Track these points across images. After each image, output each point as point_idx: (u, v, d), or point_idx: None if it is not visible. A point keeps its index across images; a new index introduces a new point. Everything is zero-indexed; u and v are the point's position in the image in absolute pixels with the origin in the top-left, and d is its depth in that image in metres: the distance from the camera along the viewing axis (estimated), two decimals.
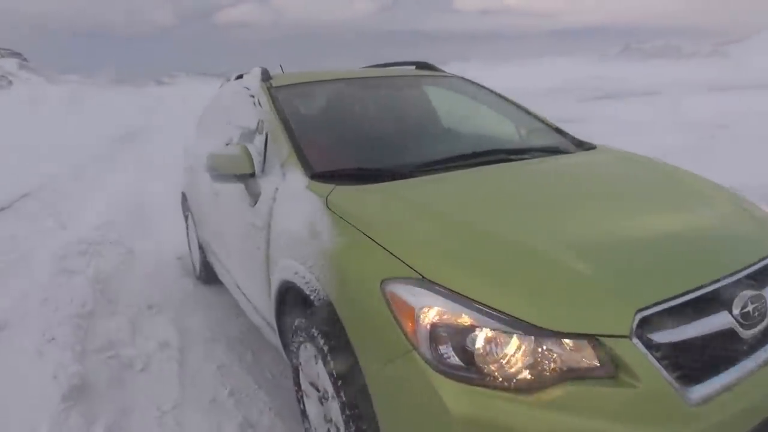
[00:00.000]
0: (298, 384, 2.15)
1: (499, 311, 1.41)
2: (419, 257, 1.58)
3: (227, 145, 3.02)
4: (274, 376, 2.94)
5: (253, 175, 2.43)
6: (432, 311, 1.44)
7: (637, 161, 2.58)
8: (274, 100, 2.69)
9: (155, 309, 3.89)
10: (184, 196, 4.63)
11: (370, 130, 2.92)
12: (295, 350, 2.06)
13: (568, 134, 2.95)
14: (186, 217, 4.73)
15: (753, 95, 15.96)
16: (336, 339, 1.69)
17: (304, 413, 2.16)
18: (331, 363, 1.70)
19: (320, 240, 1.84)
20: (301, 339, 1.96)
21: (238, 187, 2.60)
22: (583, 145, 2.81)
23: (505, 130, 3.00)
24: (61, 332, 3.31)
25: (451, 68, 4.23)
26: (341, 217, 1.84)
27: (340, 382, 1.68)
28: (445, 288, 1.47)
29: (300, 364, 2.06)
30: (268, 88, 2.80)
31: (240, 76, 3.64)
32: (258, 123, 2.67)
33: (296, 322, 1.98)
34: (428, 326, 1.43)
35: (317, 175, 2.17)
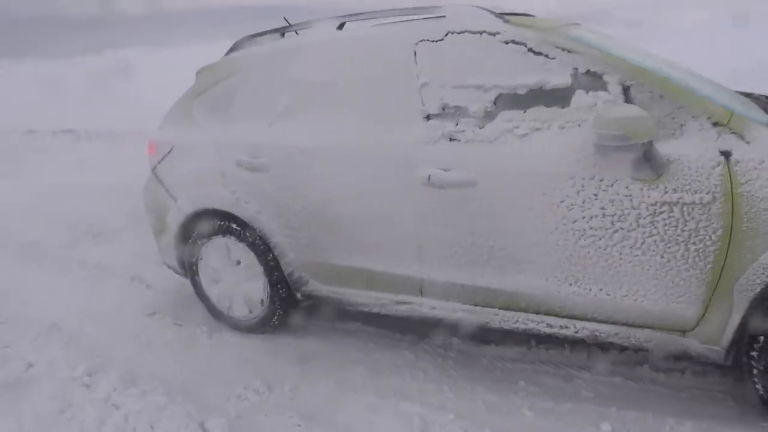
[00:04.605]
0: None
1: None
2: None
3: (494, 110, 2.30)
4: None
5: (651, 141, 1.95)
6: None
7: None
8: (599, 49, 2.20)
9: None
10: (195, 219, 3.09)
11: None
12: None
13: None
14: (199, 247, 3.13)
15: None
16: None
17: None
18: None
19: None
20: None
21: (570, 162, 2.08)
22: None
23: None
24: None
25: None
26: None
27: None
28: None
29: None
30: (548, 33, 2.26)
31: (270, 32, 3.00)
32: (573, 77, 2.15)
33: None
34: None
35: None
